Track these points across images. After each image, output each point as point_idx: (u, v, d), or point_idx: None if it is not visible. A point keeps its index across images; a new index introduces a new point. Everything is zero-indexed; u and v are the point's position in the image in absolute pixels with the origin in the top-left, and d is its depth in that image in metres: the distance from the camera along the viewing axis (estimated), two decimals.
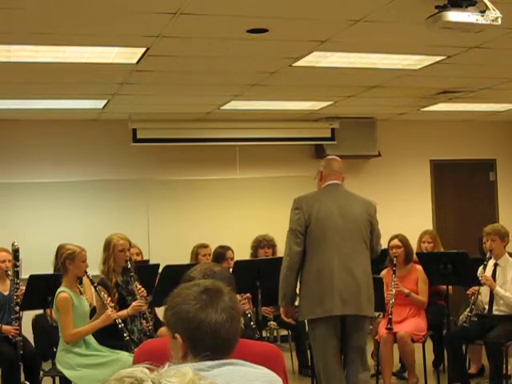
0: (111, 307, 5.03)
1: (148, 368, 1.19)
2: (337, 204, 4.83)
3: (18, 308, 5.59)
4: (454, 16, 3.88)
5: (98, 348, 5.07)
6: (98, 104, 7.25)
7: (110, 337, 5.08)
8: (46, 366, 5.71)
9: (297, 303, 4.96)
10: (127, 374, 1.17)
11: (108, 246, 5.30)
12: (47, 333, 5.57)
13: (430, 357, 6.56)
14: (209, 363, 1.83)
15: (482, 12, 3.87)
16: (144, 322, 5.28)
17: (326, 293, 4.68)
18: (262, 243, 6.98)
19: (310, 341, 4.92)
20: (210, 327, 1.87)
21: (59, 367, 5.01)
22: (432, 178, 9.52)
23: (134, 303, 5.21)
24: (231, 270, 5.53)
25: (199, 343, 1.88)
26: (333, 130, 8.64)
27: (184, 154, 8.48)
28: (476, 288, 5.80)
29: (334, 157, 5.15)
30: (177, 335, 1.91)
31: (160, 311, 6.08)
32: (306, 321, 6.74)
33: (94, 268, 5.36)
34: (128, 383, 1.16)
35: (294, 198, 4.96)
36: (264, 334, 6.54)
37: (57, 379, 5.39)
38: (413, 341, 6.01)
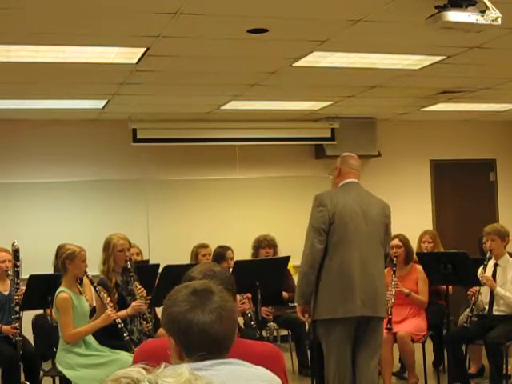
0: (111, 307, 5.03)
1: (144, 368, 1.19)
2: (359, 204, 4.74)
3: (18, 308, 5.59)
4: (454, 16, 3.88)
5: (98, 348, 5.07)
6: (98, 104, 7.25)
7: (109, 337, 5.08)
8: (46, 366, 5.70)
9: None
10: (124, 375, 1.17)
11: (108, 246, 5.29)
12: (47, 333, 5.57)
13: (430, 357, 6.55)
14: (207, 362, 1.83)
15: (482, 12, 3.87)
16: (144, 322, 5.28)
17: (347, 293, 4.61)
18: (263, 243, 6.96)
19: (322, 340, 4.80)
20: (198, 328, 1.88)
21: (59, 367, 5.01)
22: (432, 178, 9.51)
23: (133, 303, 5.21)
24: (231, 269, 5.52)
25: (189, 344, 1.89)
26: (333, 129, 8.64)
27: (184, 154, 8.48)
28: (476, 288, 5.79)
29: (351, 154, 4.99)
30: (170, 337, 1.93)
31: (160, 311, 6.08)
32: (307, 321, 6.73)
33: (94, 268, 5.36)
34: (125, 383, 1.16)
35: (315, 194, 4.80)
36: (264, 334, 6.54)
37: (57, 379, 5.39)
38: (413, 341, 6.01)
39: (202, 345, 1.87)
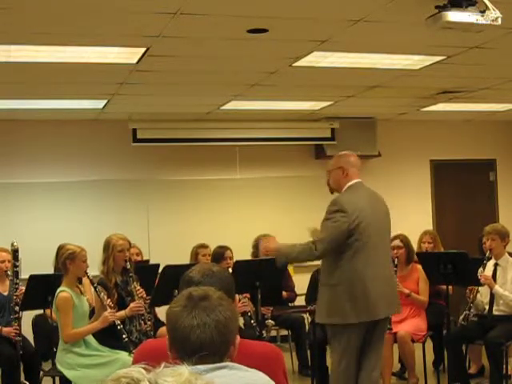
0: (110, 308, 5.03)
1: (144, 368, 1.19)
2: (371, 207, 4.64)
3: (17, 308, 5.59)
4: (454, 16, 3.88)
5: (98, 348, 5.07)
6: (98, 104, 7.25)
7: (110, 337, 5.08)
8: (46, 366, 5.71)
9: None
10: (124, 375, 1.17)
11: (107, 247, 5.29)
12: (47, 333, 5.58)
13: (430, 357, 6.55)
14: (203, 367, 1.83)
15: (482, 12, 3.87)
16: (142, 322, 5.27)
17: (365, 299, 4.51)
18: None
19: (333, 341, 4.67)
20: (181, 330, 1.90)
21: (59, 367, 5.01)
22: (432, 178, 9.51)
23: (131, 304, 5.20)
24: (231, 269, 5.53)
25: (173, 345, 1.92)
26: (333, 129, 8.64)
27: (184, 154, 8.48)
28: (475, 287, 5.80)
29: (350, 152, 4.84)
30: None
31: (160, 311, 6.08)
32: (306, 321, 6.73)
33: (94, 268, 5.36)
34: (124, 383, 1.16)
35: (333, 199, 4.63)
36: (264, 334, 6.53)
37: (57, 379, 5.39)
38: (413, 341, 6.01)
39: (182, 347, 1.89)
